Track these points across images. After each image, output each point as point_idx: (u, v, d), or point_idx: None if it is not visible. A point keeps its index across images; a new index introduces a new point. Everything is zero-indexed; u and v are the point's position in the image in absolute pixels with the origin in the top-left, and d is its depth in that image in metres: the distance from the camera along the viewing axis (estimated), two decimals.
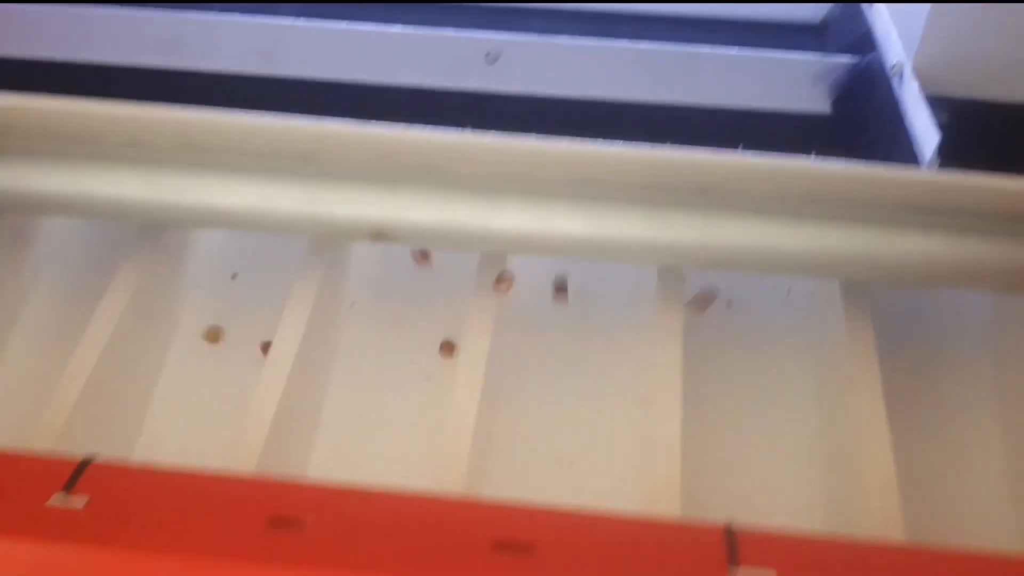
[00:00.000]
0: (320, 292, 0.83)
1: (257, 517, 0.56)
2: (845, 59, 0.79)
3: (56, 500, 0.57)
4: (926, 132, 0.68)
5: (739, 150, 0.66)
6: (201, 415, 0.88)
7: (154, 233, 0.87)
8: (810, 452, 0.83)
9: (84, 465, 0.59)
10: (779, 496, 0.81)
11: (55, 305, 0.94)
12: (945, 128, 0.69)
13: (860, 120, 0.76)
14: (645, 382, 0.85)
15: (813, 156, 0.72)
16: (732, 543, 0.55)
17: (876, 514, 0.68)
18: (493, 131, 0.67)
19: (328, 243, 0.85)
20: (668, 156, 0.64)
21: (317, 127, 0.65)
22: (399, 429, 0.88)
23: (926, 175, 0.64)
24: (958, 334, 0.91)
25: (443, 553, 0.54)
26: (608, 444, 0.85)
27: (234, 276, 0.98)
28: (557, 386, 0.89)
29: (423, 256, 0.89)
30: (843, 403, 0.79)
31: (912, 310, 0.94)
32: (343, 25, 0.78)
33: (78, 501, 0.57)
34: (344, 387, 0.90)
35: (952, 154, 0.69)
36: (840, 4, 0.84)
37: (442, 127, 0.67)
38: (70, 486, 0.57)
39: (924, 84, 0.71)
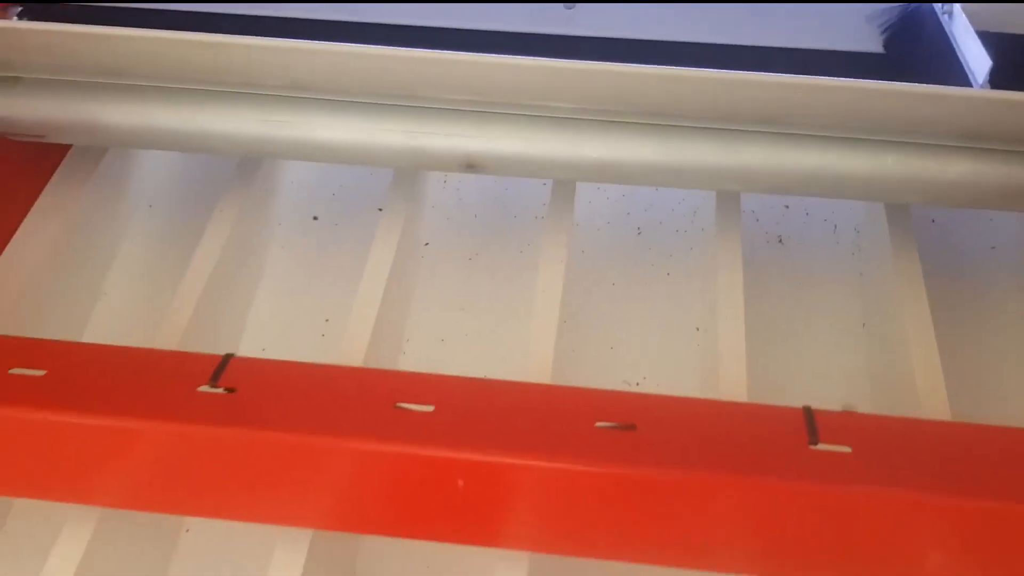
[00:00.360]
0: (402, 231, 0.89)
1: (385, 403, 0.63)
2: (896, 2, 0.85)
3: (205, 389, 0.64)
4: (978, 61, 0.74)
5: None
6: (294, 343, 0.95)
7: (249, 170, 0.94)
8: (859, 364, 0.91)
9: (227, 360, 0.65)
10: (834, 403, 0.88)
11: (158, 233, 1.02)
12: (995, 62, 0.74)
13: (912, 57, 0.82)
14: (708, 303, 0.91)
15: None
16: (811, 422, 0.62)
17: None
18: None
19: (407, 190, 0.92)
20: (738, 76, 0.70)
21: (418, 53, 0.70)
22: (476, 356, 0.94)
23: (982, 92, 0.70)
24: (993, 263, 0.98)
25: (554, 432, 0.61)
26: (673, 363, 0.92)
27: (315, 218, 1.05)
28: (623, 310, 0.96)
29: None
30: (892, 323, 0.86)
31: (951, 244, 1.01)
32: None
33: (224, 390, 0.64)
34: (424, 319, 0.97)
35: (1002, 87, 0.75)
36: None
37: None
38: (215, 378, 0.64)
39: (974, 21, 0.77)
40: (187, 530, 0.85)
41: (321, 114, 0.79)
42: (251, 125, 0.80)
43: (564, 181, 0.91)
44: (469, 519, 0.63)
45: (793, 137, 0.77)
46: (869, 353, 0.92)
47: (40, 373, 0.64)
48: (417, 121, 0.78)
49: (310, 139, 0.80)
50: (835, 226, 1.03)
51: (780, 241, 1.02)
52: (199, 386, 0.64)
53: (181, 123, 0.81)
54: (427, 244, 1.02)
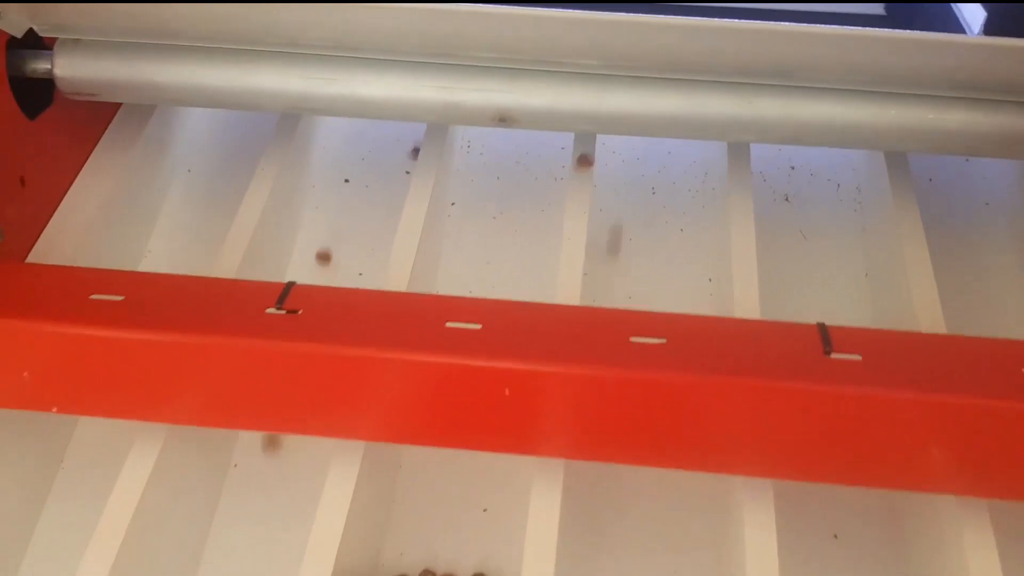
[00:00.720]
0: (432, 191, 0.95)
1: (435, 322, 0.69)
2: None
3: (272, 311, 0.69)
4: (974, 15, 0.81)
5: None
6: None
7: (285, 136, 1.00)
8: (863, 310, 0.97)
9: (289, 287, 0.71)
10: None
11: (196, 195, 1.09)
12: (989, 19, 0.81)
13: (912, 18, 0.88)
14: (720, 255, 0.97)
15: None
16: (826, 335, 0.68)
17: None
18: None
19: (435, 153, 0.97)
20: (751, 25, 0.76)
21: (451, 6, 0.76)
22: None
23: (974, 38, 0.76)
24: (987, 218, 1.05)
25: (593, 345, 0.67)
26: (688, 310, 0.98)
27: (347, 181, 1.10)
28: (640, 263, 1.02)
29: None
30: (894, 269, 0.92)
31: (947, 202, 1.07)
32: None
33: (288, 312, 0.69)
34: (453, 271, 1.03)
35: None
36: None
37: None
38: (281, 302, 0.70)
39: None
40: (235, 465, 0.90)
41: (360, 71, 0.85)
42: (294, 82, 0.86)
43: (583, 140, 0.97)
44: (515, 427, 0.68)
45: (804, 90, 0.84)
46: (873, 299, 0.98)
47: (119, 298, 0.69)
48: (451, 77, 0.84)
49: (350, 95, 0.86)
50: (838, 185, 1.10)
51: (787, 199, 1.08)
52: (266, 308, 0.69)
53: (228, 81, 0.87)
54: (453, 204, 1.08)
